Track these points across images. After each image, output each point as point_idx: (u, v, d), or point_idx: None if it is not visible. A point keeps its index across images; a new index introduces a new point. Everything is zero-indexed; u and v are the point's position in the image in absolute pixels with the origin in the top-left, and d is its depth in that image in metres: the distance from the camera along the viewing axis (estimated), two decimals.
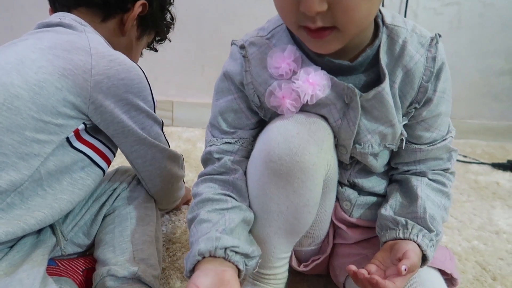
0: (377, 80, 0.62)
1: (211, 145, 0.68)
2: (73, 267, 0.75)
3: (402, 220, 0.63)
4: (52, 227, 0.73)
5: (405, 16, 1.55)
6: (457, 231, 1.05)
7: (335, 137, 0.65)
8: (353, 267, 0.57)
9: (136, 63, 0.77)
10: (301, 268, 0.76)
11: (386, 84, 0.61)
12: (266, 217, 0.65)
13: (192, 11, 1.57)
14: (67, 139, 0.67)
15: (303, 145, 0.59)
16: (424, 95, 0.62)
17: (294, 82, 0.60)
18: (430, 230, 0.62)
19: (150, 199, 0.84)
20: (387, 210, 0.67)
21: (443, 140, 0.67)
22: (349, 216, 0.72)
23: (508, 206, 1.19)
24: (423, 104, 0.63)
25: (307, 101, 0.61)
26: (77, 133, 0.68)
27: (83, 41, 0.69)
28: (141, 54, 0.94)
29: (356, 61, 0.60)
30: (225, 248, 0.57)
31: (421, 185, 0.67)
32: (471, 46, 1.63)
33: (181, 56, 1.62)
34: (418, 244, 0.61)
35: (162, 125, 0.83)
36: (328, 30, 0.52)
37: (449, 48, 1.62)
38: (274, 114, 0.65)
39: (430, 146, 0.67)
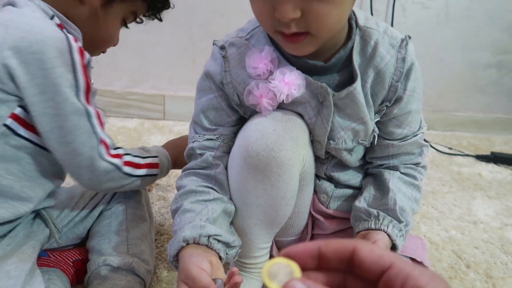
0: (350, 80, 0.65)
1: (193, 142, 0.71)
2: (64, 258, 0.79)
3: (374, 211, 0.67)
4: (45, 220, 0.75)
5: (393, 11, 1.57)
6: (436, 221, 1.08)
7: (310, 133, 0.68)
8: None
9: (109, 41, 0.76)
10: None
11: (358, 84, 0.64)
12: (246, 209, 0.69)
13: (183, 5, 1.58)
14: (7, 127, 0.63)
15: (279, 141, 0.62)
16: (394, 93, 0.66)
17: (270, 82, 0.63)
18: (399, 221, 0.66)
19: (145, 198, 0.88)
20: (361, 202, 0.70)
21: (414, 136, 0.71)
22: (326, 208, 0.76)
23: (488, 197, 1.23)
24: (393, 102, 0.67)
25: (283, 100, 0.64)
26: (17, 119, 0.64)
27: (8, 16, 0.63)
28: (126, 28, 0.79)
29: (330, 61, 0.64)
30: (209, 236, 0.61)
31: (392, 179, 0.70)
32: (458, 39, 1.65)
33: (172, 50, 1.64)
34: (388, 234, 0.65)
35: (91, 115, 0.67)
36: (303, 35, 0.56)
37: (437, 41, 1.65)
38: (254, 112, 0.68)
39: (401, 141, 0.70)
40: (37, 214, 0.75)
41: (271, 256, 0.79)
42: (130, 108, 1.68)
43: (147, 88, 1.69)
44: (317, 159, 0.73)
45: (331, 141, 0.68)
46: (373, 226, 0.66)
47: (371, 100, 0.66)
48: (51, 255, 0.78)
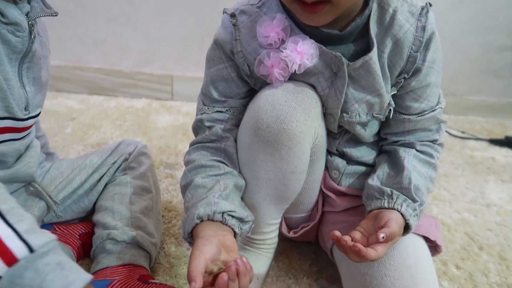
0: (366, 49, 0.62)
1: (202, 113, 0.69)
2: (70, 231, 0.78)
3: (388, 190, 0.65)
4: (38, 192, 0.73)
5: None
6: (449, 203, 1.06)
7: (323, 105, 0.66)
8: (337, 233, 0.58)
9: None
10: (291, 235, 0.79)
11: (374, 54, 0.61)
12: (255, 184, 0.67)
13: None
14: None
15: (290, 113, 0.60)
16: (413, 65, 0.62)
17: (282, 51, 0.61)
18: (414, 200, 0.64)
19: (151, 170, 0.86)
20: (374, 180, 0.68)
21: (432, 110, 0.67)
22: (338, 185, 0.74)
23: (501, 180, 1.20)
24: (412, 74, 0.64)
25: (295, 70, 0.62)
26: None
27: None
28: None
29: (345, 30, 0.61)
30: (223, 213, 0.60)
31: (408, 157, 0.68)
32: (473, 21, 1.60)
33: (179, 30, 1.62)
34: (401, 213, 0.62)
35: None
36: (322, 4, 0.54)
37: (451, 23, 1.60)
38: (264, 83, 0.66)
39: (418, 116, 0.67)
40: (29, 186, 0.72)
41: (280, 233, 0.78)
42: (138, 88, 1.67)
43: (155, 68, 1.67)
44: (329, 134, 0.70)
45: (344, 114, 0.66)
46: (386, 205, 0.63)
47: (388, 71, 0.63)
48: (57, 229, 0.77)
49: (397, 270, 0.62)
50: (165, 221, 0.91)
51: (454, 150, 1.40)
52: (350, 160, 0.73)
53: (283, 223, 0.79)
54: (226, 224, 0.60)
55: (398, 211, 0.62)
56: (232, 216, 0.61)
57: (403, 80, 0.64)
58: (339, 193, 0.75)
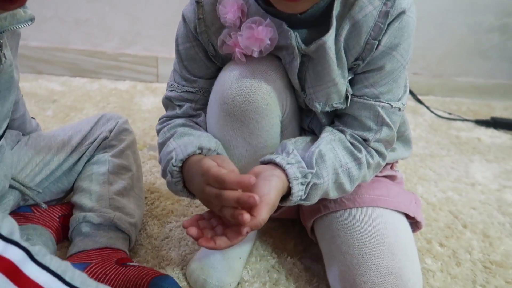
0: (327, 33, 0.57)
1: (171, 90, 0.68)
2: (49, 213, 0.76)
3: (290, 149, 0.59)
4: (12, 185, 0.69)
5: None
6: (434, 182, 1.06)
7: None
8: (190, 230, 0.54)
9: None
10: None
11: (328, 37, 0.56)
12: None
13: None
14: None
15: (255, 84, 0.59)
16: (370, 52, 0.57)
17: (241, 35, 0.58)
18: (309, 166, 0.57)
19: (131, 147, 0.83)
20: (289, 141, 0.62)
21: (375, 100, 0.60)
22: None
23: (486, 160, 1.21)
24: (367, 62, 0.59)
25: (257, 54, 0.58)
26: None
27: None
28: None
29: (306, 12, 0.56)
30: (217, 153, 0.61)
31: (330, 136, 0.61)
32: (460, 1, 1.59)
33: (163, 10, 1.57)
34: (286, 173, 0.55)
35: None
36: None
37: (437, 4, 1.59)
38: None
39: (356, 97, 0.61)
40: None
41: None
42: (122, 70, 1.63)
43: (139, 49, 1.64)
44: (301, 110, 0.68)
45: (302, 93, 0.62)
46: (277, 160, 0.56)
47: (344, 56, 0.58)
48: (35, 211, 0.75)
49: (377, 248, 0.61)
50: (148, 203, 0.89)
51: (440, 130, 1.40)
52: None
53: None
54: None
55: (283, 169, 0.55)
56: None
57: (358, 66, 0.60)
58: None
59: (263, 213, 0.50)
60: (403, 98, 0.63)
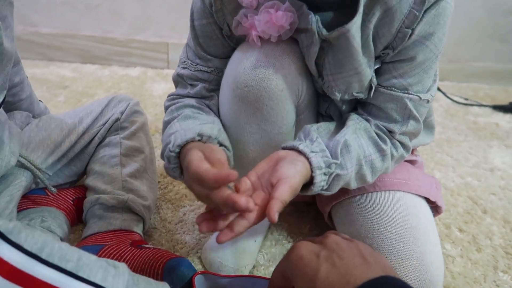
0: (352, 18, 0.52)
1: (184, 67, 0.64)
2: (63, 196, 0.76)
3: (314, 136, 0.55)
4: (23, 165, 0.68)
5: None
6: (452, 168, 1.04)
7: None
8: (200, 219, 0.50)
9: None
10: None
11: (353, 25, 0.51)
12: (242, 147, 0.64)
13: None
14: None
15: (269, 70, 0.56)
16: (401, 41, 0.53)
17: (258, 20, 0.54)
18: (334, 156, 0.54)
19: (143, 129, 0.82)
20: (312, 126, 0.59)
21: (403, 92, 0.56)
22: None
23: (505, 145, 1.18)
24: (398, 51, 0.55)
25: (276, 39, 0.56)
26: None
27: None
28: None
29: None
30: (220, 144, 0.57)
31: (356, 123, 0.59)
32: None
33: None
34: (310, 162, 0.52)
35: None
36: None
37: None
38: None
39: (383, 88, 0.57)
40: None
41: None
42: (132, 56, 1.62)
43: (149, 35, 1.62)
44: (319, 94, 0.65)
45: (320, 79, 0.59)
46: (300, 147, 0.52)
47: (371, 44, 0.54)
48: (49, 194, 0.74)
49: (398, 232, 0.60)
50: (161, 187, 0.89)
51: (457, 116, 1.36)
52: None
53: None
54: (224, 146, 0.57)
55: (307, 157, 0.52)
56: (226, 148, 0.58)
57: (387, 55, 0.56)
58: None
59: (286, 195, 0.47)
60: (432, 89, 0.59)
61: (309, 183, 0.53)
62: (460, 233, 0.81)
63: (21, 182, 0.66)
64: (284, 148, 0.55)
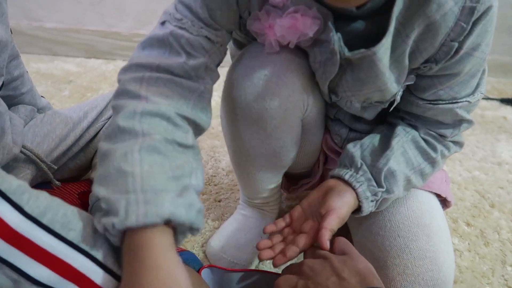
0: (382, 33, 0.46)
1: (182, 28, 0.48)
2: (68, 190, 0.75)
3: (359, 162, 0.56)
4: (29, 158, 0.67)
5: None
6: (459, 162, 1.03)
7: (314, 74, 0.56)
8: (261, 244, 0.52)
9: None
10: (290, 193, 0.76)
11: (380, 48, 0.46)
12: (246, 159, 0.63)
13: None
14: None
15: (272, 89, 0.53)
16: (446, 55, 0.48)
17: (280, 19, 0.49)
18: (379, 185, 0.54)
19: None
20: (355, 147, 0.58)
21: (452, 103, 0.53)
22: (341, 148, 0.67)
23: None
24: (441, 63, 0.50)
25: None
26: None
27: None
28: None
29: (362, 8, 0.46)
30: (198, 228, 0.42)
31: (402, 137, 0.57)
32: None
33: None
34: (356, 193, 0.54)
35: None
36: None
37: None
38: (253, 40, 0.55)
39: (430, 104, 0.54)
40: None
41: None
42: None
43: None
44: (327, 102, 0.62)
45: (333, 96, 0.57)
46: (346, 178, 0.54)
47: (407, 60, 0.49)
48: (54, 188, 0.74)
49: (411, 230, 0.57)
50: None
51: None
52: (352, 129, 0.65)
53: (283, 180, 0.75)
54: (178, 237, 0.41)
55: (354, 189, 0.54)
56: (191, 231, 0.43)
57: (427, 68, 0.51)
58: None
59: (334, 224, 0.50)
60: (481, 85, 0.54)
61: (358, 208, 0.55)
62: (468, 227, 0.80)
63: (26, 175, 0.66)
64: (331, 176, 0.57)
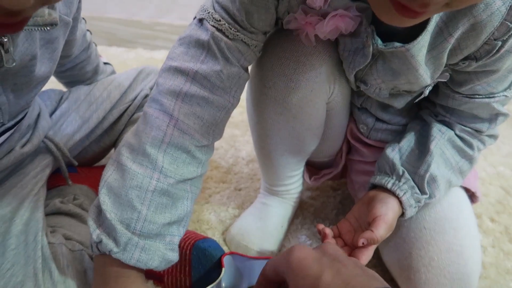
0: (422, 31, 0.45)
1: (220, 30, 0.48)
2: (94, 174, 0.76)
3: (400, 170, 0.56)
4: (47, 146, 0.65)
5: None
6: (483, 157, 1.01)
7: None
8: (320, 227, 0.54)
9: None
10: (311, 182, 0.75)
11: (414, 45, 0.45)
12: (269, 142, 0.63)
13: None
14: None
15: (299, 69, 0.53)
16: (487, 53, 0.47)
17: (321, 28, 0.49)
18: (422, 192, 0.55)
19: None
20: (394, 151, 0.58)
21: (489, 97, 0.52)
22: (366, 138, 0.67)
23: None
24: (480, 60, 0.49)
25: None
26: None
27: None
28: None
29: None
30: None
31: (439, 139, 0.56)
32: None
33: None
34: (400, 201, 0.54)
35: None
36: (427, 7, 0.35)
37: None
38: None
39: (466, 97, 0.53)
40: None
41: (304, 181, 0.75)
42: (157, 39, 1.62)
43: (174, 18, 1.62)
44: (353, 90, 0.62)
45: (361, 84, 0.56)
46: (389, 186, 0.55)
47: (445, 57, 0.48)
48: (80, 172, 0.75)
49: (438, 223, 0.56)
50: None
51: None
52: (378, 119, 0.64)
53: (304, 168, 0.75)
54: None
55: (398, 197, 0.54)
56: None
57: (465, 64, 0.50)
58: (368, 145, 0.70)
59: (381, 230, 0.50)
60: None
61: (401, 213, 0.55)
62: (492, 223, 0.79)
63: (48, 161, 0.65)
64: (372, 184, 0.57)
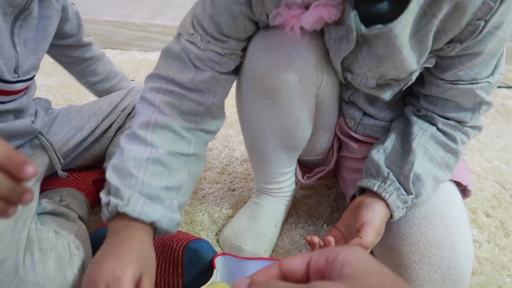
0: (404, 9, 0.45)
1: (191, 42, 0.53)
2: (83, 177, 0.77)
3: (385, 171, 0.56)
4: (44, 147, 0.69)
5: None
6: (478, 152, 1.00)
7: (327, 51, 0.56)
8: (308, 238, 0.53)
9: None
10: (305, 180, 0.75)
11: (396, 25, 0.45)
12: (261, 137, 0.63)
13: None
14: None
15: (286, 60, 0.53)
16: (471, 34, 0.47)
17: (306, 19, 0.49)
18: (408, 192, 0.55)
19: None
20: (378, 153, 0.58)
21: (472, 83, 0.52)
22: (355, 133, 0.67)
23: None
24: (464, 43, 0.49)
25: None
26: None
27: None
28: None
29: None
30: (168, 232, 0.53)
31: (421, 136, 0.56)
32: None
33: None
34: (387, 203, 0.54)
35: None
36: None
37: None
38: None
39: (449, 83, 0.53)
40: (34, 139, 0.68)
41: (297, 180, 0.75)
42: (151, 41, 1.62)
43: (168, 19, 1.62)
44: (341, 82, 0.62)
45: (348, 74, 0.56)
46: (375, 189, 0.55)
47: (430, 40, 0.48)
48: (69, 175, 0.75)
49: (428, 218, 0.56)
50: None
51: None
52: (366, 113, 0.64)
53: (297, 167, 0.74)
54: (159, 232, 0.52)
55: (384, 199, 0.54)
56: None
57: (450, 47, 0.50)
58: (357, 140, 0.69)
59: (370, 235, 0.50)
60: (500, 66, 0.53)
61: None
62: (487, 218, 0.78)
63: (44, 160, 0.68)
64: (359, 186, 0.58)
